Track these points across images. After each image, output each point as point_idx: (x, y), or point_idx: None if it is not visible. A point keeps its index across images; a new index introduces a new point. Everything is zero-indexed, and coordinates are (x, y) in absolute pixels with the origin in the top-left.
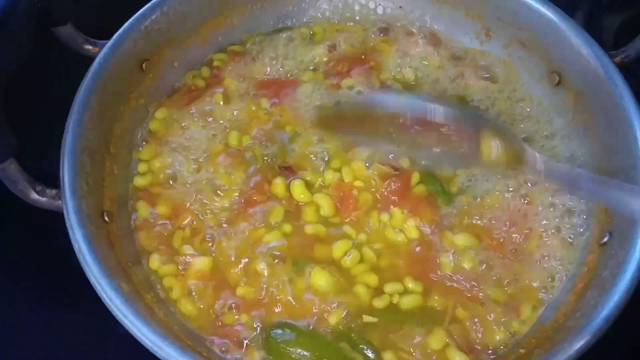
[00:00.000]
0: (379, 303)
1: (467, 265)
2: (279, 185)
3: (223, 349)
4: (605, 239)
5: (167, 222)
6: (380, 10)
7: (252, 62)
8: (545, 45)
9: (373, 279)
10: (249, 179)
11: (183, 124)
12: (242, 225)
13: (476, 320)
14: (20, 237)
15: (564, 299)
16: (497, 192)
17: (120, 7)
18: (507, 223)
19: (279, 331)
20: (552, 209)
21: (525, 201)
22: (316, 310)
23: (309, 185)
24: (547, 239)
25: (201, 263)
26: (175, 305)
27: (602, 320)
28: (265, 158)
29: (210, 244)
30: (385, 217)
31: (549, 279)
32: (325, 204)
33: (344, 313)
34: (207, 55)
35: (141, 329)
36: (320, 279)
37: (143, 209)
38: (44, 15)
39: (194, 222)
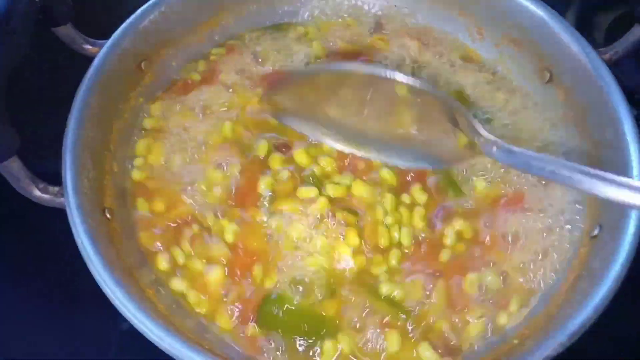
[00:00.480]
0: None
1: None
2: (276, 159)
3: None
4: (596, 232)
5: (166, 218)
6: (374, 9)
7: (248, 56)
8: (536, 42)
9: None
10: (244, 169)
11: (179, 117)
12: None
13: (466, 311)
14: (20, 236)
15: (556, 291)
16: (489, 184)
17: (119, 7)
18: (499, 217)
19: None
20: (543, 203)
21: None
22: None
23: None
24: (538, 233)
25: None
26: (179, 299)
27: (592, 309)
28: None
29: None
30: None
31: (541, 271)
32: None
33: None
34: (205, 53)
35: (143, 321)
36: None
37: (142, 205)
38: (45, 15)
39: (191, 217)
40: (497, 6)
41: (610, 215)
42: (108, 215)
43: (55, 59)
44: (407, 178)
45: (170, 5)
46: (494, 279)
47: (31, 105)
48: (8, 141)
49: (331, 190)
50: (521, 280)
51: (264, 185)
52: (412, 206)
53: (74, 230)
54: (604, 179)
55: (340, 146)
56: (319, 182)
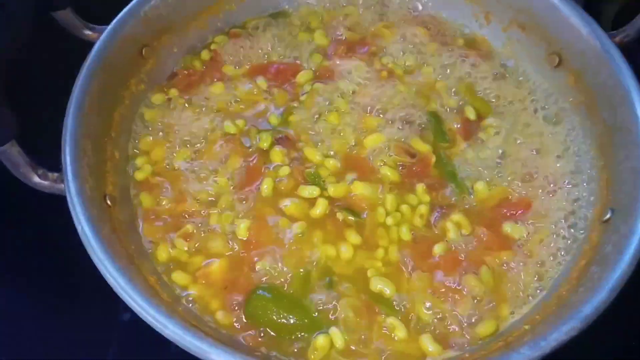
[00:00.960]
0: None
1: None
2: (277, 153)
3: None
4: (608, 216)
5: (168, 210)
6: None
7: (251, 44)
8: (544, 26)
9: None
10: (246, 162)
11: (182, 112)
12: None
13: (476, 297)
14: (19, 229)
15: (567, 277)
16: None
17: None
18: (510, 207)
19: (260, 292)
20: (554, 190)
21: (528, 185)
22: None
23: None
24: (550, 219)
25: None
26: (181, 288)
27: (607, 293)
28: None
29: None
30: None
31: (551, 258)
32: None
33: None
34: (206, 41)
35: (146, 308)
36: None
37: (145, 199)
38: None
39: (193, 210)
40: None
41: (622, 199)
42: (109, 202)
43: (55, 45)
44: (411, 176)
45: None
46: (498, 269)
47: (30, 91)
48: (7, 125)
49: (332, 189)
50: (530, 266)
51: (265, 188)
52: (414, 206)
53: (74, 217)
54: None
55: None
56: (321, 180)
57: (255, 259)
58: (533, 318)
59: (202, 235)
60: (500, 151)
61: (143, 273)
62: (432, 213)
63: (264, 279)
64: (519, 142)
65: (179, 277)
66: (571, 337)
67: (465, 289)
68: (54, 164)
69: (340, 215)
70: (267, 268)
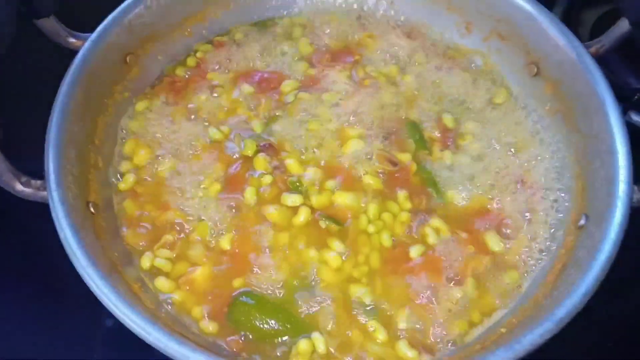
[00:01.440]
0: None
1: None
2: (260, 160)
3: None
4: (582, 222)
5: (151, 218)
6: (362, 5)
7: (236, 53)
8: (523, 37)
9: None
10: (230, 169)
11: (165, 120)
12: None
13: (454, 301)
14: (3, 236)
15: (543, 280)
16: (478, 185)
17: (103, 0)
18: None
19: (243, 298)
20: (532, 195)
21: (505, 192)
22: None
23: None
24: (525, 224)
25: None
26: (164, 294)
27: (580, 297)
28: (245, 144)
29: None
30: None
31: (529, 262)
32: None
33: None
34: (191, 48)
35: (129, 315)
36: None
37: (128, 207)
38: (27, 7)
39: (176, 218)
40: (485, 1)
41: (596, 205)
42: (92, 210)
43: (38, 53)
44: (392, 184)
45: None
46: (476, 274)
47: (12, 99)
48: None
49: (315, 199)
50: (506, 270)
51: (249, 195)
52: (396, 214)
53: (57, 224)
54: None
55: None
56: (303, 189)
57: (238, 265)
58: (510, 321)
59: (185, 243)
60: (478, 158)
61: (126, 280)
62: (413, 220)
63: (247, 285)
64: (497, 148)
65: (161, 283)
66: (546, 340)
67: (443, 294)
68: (35, 170)
69: (323, 224)
70: (250, 275)
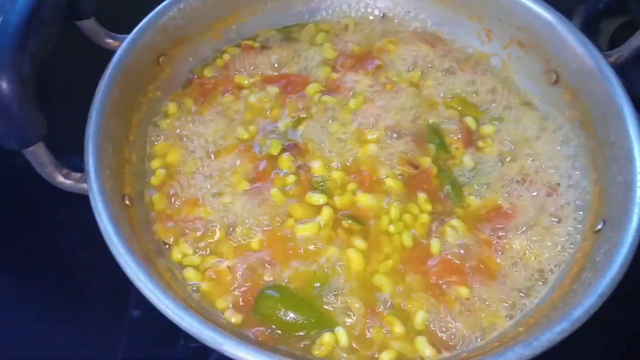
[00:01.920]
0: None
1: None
2: (285, 160)
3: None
4: (599, 227)
5: (181, 213)
6: (388, 13)
7: (262, 56)
8: (543, 45)
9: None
10: (257, 167)
11: (195, 119)
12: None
13: (473, 301)
14: (25, 230)
15: (559, 283)
16: (497, 189)
17: (140, 3)
18: (505, 215)
19: (269, 292)
20: (548, 199)
21: (524, 196)
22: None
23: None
24: (543, 227)
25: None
26: (193, 285)
27: (596, 298)
28: (271, 144)
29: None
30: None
31: (547, 265)
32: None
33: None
34: (220, 51)
35: (164, 301)
36: None
37: (158, 201)
38: (70, 9)
39: (206, 214)
40: (505, 9)
41: (614, 210)
42: (127, 202)
43: (78, 53)
44: (413, 187)
45: (188, 1)
46: (495, 274)
47: (54, 96)
48: (37, 127)
49: (338, 201)
50: (524, 272)
51: (274, 193)
52: (416, 215)
53: (96, 215)
54: None
55: None
56: (327, 189)
57: (264, 260)
58: (527, 321)
59: (212, 238)
60: (497, 162)
61: (159, 270)
62: (433, 221)
63: (272, 279)
64: (516, 154)
65: (190, 274)
66: (563, 338)
67: (463, 293)
68: (73, 164)
69: (345, 223)
70: (276, 269)
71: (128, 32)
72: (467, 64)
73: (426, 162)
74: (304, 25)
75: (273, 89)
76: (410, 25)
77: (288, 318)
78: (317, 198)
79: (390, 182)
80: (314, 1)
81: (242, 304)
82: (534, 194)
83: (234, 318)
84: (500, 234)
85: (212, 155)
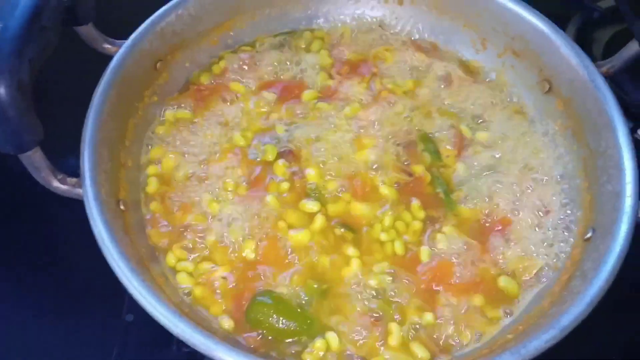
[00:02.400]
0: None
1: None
2: (280, 166)
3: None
4: (589, 235)
5: (176, 219)
6: (384, 21)
7: (259, 62)
8: (537, 54)
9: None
10: (252, 174)
11: (191, 125)
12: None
13: (463, 309)
14: (20, 234)
15: (549, 290)
16: (489, 196)
17: (138, 8)
18: (497, 223)
19: (262, 298)
20: (541, 207)
21: (516, 203)
22: None
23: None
24: (534, 235)
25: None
26: (185, 290)
27: (585, 306)
28: (266, 150)
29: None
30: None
31: (536, 272)
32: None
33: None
34: (217, 57)
35: (158, 308)
36: None
37: (153, 207)
38: (69, 15)
39: (200, 220)
40: (500, 19)
41: (603, 219)
42: (122, 207)
43: (76, 57)
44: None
45: (187, 7)
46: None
47: (51, 101)
48: (33, 132)
49: (331, 208)
50: (515, 279)
51: (269, 200)
52: (409, 222)
53: (90, 220)
54: None
55: None
56: (321, 196)
57: (257, 266)
58: (516, 328)
59: (206, 244)
60: (490, 170)
61: (152, 275)
62: (425, 229)
63: (265, 286)
64: (509, 162)
65: (183, 279)
66: (551, 346)
67: (452, 300)
68: (67, 166)
69: (338, 231)
70: (268, 276)
71: (126, 37)
72: (462, 72)
73: (420, 169)
74: (301, 32)
75: (269, 95)
76: (406, 33)
77: (280, 324)
78: (311, 206)
79: (384, 190)
80: (311, 8)
81: (234, 309)
82: (525, 201)
83: (227, 324)
84: (491, 240)
85: (208, 161)
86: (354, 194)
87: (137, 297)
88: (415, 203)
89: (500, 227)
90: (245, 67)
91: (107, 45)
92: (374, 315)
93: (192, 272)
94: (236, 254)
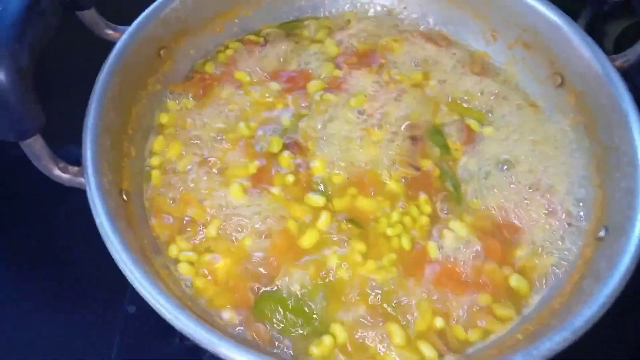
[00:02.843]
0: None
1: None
2: (285, 158)
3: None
4: (602, 234)
5: (179, 210)
6: (392, 11)
7: (265, 51)
8: (548, 47)
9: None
10: (257, 165)
11: (195, 114)
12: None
13: (471, 306)
14: (20, 224)
15: (560, 290)
16: (498, 191)
17: None
18: (507, 219)
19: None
20: (552, 204)
21: (526, 200)
22: None
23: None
24: (544, 232)
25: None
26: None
27: (598, 307)
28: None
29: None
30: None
31: (547, 271)
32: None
33: None
34: (222, 45)
35: (159, 300)
36: None
37: (156, 198)
38: None
39: (204, 212)
40: (511, 10)
41: (616, 217)
42: (125, 197)
43: (77, 44)
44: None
45: None
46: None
47: (52, 87)
48: (34, 119)
49: (337, 203)
50: (524, 277)
51: (274, 192)
52: (416, 217)
53: (93, 210)
54: None
55: None
56: (327, 190)
57: (263, 260)
58: (526, 328)
59: (209, 236)
60: (500, 165)
61: (155, 267)
62: (433, 224)
63: (270, 280)
64: (519, 157)
65: (186, 270)
66: (563, 347)
67: (460, 298)
68: (69, 155)
69: (344, 227)
70: (275, 271)
71: (129, 23)
72: (472, 64)
73: (428, 163)
74: (307, 20)
75: (275, 85)
76: (415, 23)
77: (287, 319)
78: (317, 200)
79: (391, 184)
80: None
81: (239, 303)
82: (536, 197)
83: (231, 317)
84: (501, 237)
85: (212, 151)
86: (361, 188)
87: (140, 289)
88: (423, 197)
89: (510, 224)
90: (251, 57)
91: (109, 31)
92: (380, 311)
93: (196, 263)
94: (241, 246)
